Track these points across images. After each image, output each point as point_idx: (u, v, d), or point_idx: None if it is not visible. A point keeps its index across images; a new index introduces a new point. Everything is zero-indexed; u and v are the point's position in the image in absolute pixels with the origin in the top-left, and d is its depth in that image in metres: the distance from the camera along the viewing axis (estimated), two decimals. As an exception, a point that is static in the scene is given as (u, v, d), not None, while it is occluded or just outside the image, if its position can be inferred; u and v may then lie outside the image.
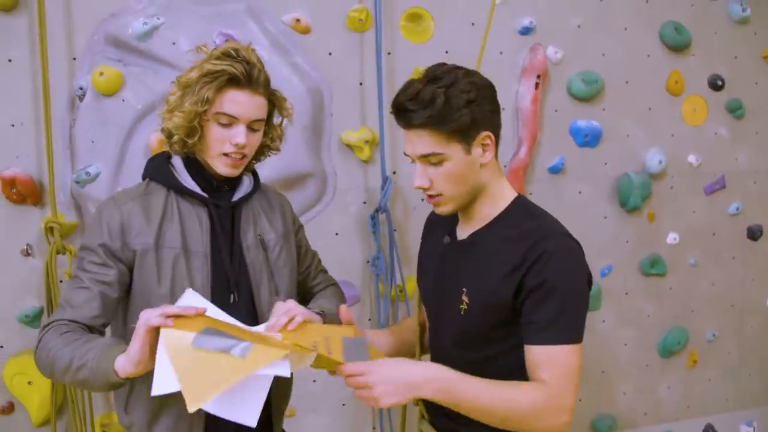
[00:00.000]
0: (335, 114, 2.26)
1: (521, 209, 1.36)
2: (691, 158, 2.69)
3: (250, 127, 1.38)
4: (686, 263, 2.76)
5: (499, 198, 1.37)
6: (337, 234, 2.32)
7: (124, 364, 1.19)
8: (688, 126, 2.68)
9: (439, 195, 1.33)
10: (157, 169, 1.44)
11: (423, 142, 1.28)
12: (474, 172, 1.31)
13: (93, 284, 1.33)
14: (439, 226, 1.50)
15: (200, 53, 1.39)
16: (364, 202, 2.35)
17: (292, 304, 1.36)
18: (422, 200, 2.36)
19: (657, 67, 2.60)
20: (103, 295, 1.34)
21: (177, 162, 1.44)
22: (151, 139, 2.06)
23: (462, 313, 1.35)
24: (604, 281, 2.63)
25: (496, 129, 1.34)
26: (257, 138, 1.41)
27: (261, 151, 1.51)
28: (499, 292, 1.29)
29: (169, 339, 1.16)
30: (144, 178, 1.46)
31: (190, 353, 1.14)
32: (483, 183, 1.34)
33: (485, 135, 1.30)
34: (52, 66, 2.01)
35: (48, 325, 1.33)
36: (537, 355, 1.25)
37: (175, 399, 1.25)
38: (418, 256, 1.58)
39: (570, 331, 1.25)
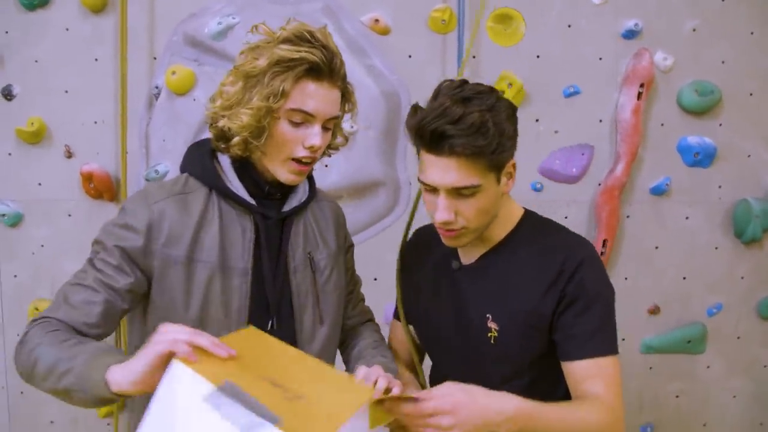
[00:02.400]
0: (412, 120, 2.14)
1: (533, 224, 1.29)
2: (828, 185, 2.30)
3: (325, 126, 1.18)
4: (817, 308, 2.36)
5: (507, 219, 1.28)
6: (408, 248, 2.19)
7: (120, 378, 0.93)
8: (825, 147, 2.30)
9: (463, 228, 1.19)
10: (200, 163, 1.22)
11: (461, 172, 1.12)
12: (498, 202, 1.22)
13: (99, 286, 1.11)
14: (428, 248, 1.35)
15: (259, 35, 1.17)
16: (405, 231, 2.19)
17: (379, 371, 1.14)
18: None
19: (789, 78, 2.25)
20: (109, 302, 1.11)
21: (224, 158, 1.22)
22: (216, 139, 2.04)
23: (492, 341, 1.23)
24: (711, 321, 2.30)
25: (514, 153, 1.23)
26: (328, 138, 1.21)
27: (323, 153, 1.28)
28: (539, 307, 1.20)
29: (182, 378, 0.88)
30: (182, 171, 1.25)
31: (199, 407, 0.85)
32: (499, 210, 1.24)
33: (512, 163, 1.21)
34: (133, 65, 2.05)
35: (36, 320, 1.10)
36: (585, 368, 1.17)
37: None
38: (409, 282, 1.40)
39: (614, 341, 1.21)
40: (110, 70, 2.09)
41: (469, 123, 1.09)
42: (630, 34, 2.16)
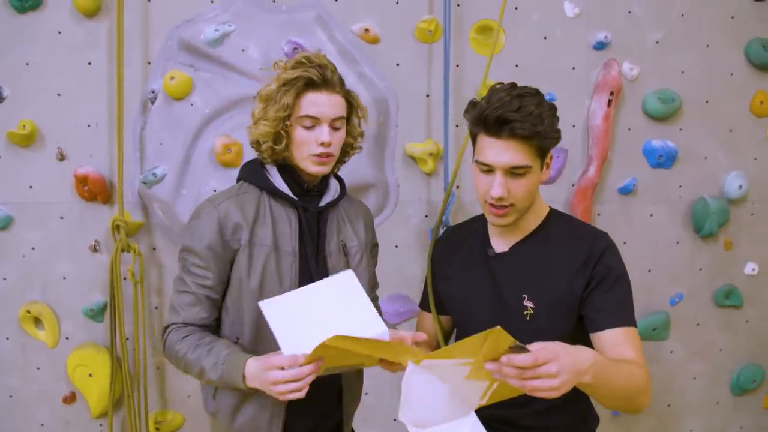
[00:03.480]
0: (400, 125, 2.24)
1: (559, 218, 1.51)
2: (775, 184, 2.53)
3: (333, 126, 1.45)
4: (765, 296, 2.58)
5: (539, 211, 1.49)
6: (396, 246, 2.29)
7: (252, 379, 1.32)
8: (773, 150, 2.52)
9: (510, 206, 1.39)
10: (252, 171, 1.52)
11: (518, 153, 1.34)
12: (538, 188, 1.44)
13: (197, 288, 1.44)
14: (461, 241, 1.56)
15: (276, 69, 1.48)
16: (426, 216, 2.31)
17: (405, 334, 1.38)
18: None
19: (741, 87, 2.45)
20: (208, 298, 1.45)
21: (271, 167, 1.52)
22: (216, 143, 2.09)
23: (528, 318, 1.41)
24: (673, 310, 2.49)
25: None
26: (340, 136, 1.48)
27: (345, 152, 1.57)
28: (573, 285, 1.39)
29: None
30: (238, 181, 1.54)
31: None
32: (536, 197, 1.45)
33: (551, 155, 1.43)
34: (127, 70, 2.08)
35: (167, 328, 1.46)
36: (616, 336, 1.34)
37: (257, 395, 1.40)
38: (440, 273, 1.58)
39: (634, 316, 1.40)
40: (103, 73, 2.11)
41: (527, 112, 1.32)
42: (600, 46, 2.32)
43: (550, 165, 1.43)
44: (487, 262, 1.49)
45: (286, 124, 1.43)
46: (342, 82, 1.49)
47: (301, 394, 1.24)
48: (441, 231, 2.24)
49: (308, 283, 1.42)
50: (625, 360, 1.31)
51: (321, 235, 1.51)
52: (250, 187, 1.50)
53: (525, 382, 1.08)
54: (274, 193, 1.48)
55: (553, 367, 1.07)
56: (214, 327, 1.49)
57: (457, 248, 1.58)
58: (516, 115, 1.32)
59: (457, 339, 1.61)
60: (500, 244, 1.49)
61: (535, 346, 1.09)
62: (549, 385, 1.07)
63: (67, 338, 2.19)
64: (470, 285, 1.51)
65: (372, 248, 1.66)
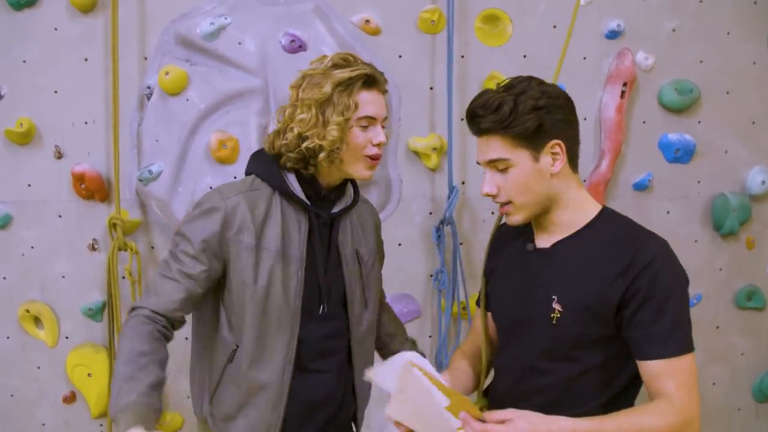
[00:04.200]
0: (403, 119, 2.18)
1: (611, 218, 1.36)
2: (801, 179, 2.40)
3: (382, 126, 1.42)
4: (791, 297, 2.46)
5: (582, 208, 1.36)
6: (400, 244, 2.23)
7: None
8: (798, 143, 2.40)
9: (509, 203, 1.33)
10: (267, 168, 1.43)
11: (490, 147, 1.31)
12: (542, 181, 1.31)
13: (181, 277, 1.35)
14: (513, 237, 1.47)
15: (312, 72, 1.40)
16: (430, 213, 2.24)
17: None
18: (492, 213, 2.22)
19: (763, 76, 2.33)
20: (189, 290, 1.36)
21: (288, 171, 1.44)
22: (211, 138, 2.05)
23: (554, 321, 1.31)
24: (692, 312, 2.35)
25: (569, 140, 1.33)
26: (387, 136, 1.44)
27: None
28: (605, 296, 1.26)
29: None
30: (248, 174, 1.46)
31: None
32: (556, 192, 1.33)
33: (554, 143, 1.30)
34: (124, 65, 2.05)
35: (134, 309, 1.37)
36: (658, 367, 1.23)
37: (255, 401, 1.40)
38: (488, 269, 1.52)
39: (689, 339, 1.27)
40: (100, 70, 2.09)
41: (490, 105, 1.27)
42: (613, 35, 2.23)
43: (559, 156, 1.30)
44: (526, 258, 1.40)
45: (348, 126, 1.37)
46: (386, 80, 1.45)
47: None
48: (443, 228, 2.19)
49: (315, 292, 1.42)
50: (645, 408, 1.23)
51: (332, 242, 1.46)
52: (262, 185, 1.42)
53: None
54: (287, 195, 1.41)
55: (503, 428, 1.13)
56: (178, 323, 1.41)
57: (507, 242, 1.49)
58: (480, 110, 1.29)
59: (498, 345, 1.52)
60: (543, 240, 1.39)
61: (498, 416, 1.16)
62: None
63: (66, 337, 2.17)
64: (506, 280, 1.44)
65: (380, 251, 1.63)
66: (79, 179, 2.08)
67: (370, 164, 1.41)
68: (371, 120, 1.38)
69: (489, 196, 1.34)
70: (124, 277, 2.11)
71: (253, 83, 2.05)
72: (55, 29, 2.07)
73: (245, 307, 1.38)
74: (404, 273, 2.23)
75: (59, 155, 2.11)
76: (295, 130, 1.37)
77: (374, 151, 1.39)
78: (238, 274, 1.38)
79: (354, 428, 1.60)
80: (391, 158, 2.19)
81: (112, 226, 2.07)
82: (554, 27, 2.21)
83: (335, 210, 1.46)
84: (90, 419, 2.21)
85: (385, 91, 1.43)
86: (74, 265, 2.15)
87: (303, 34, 2.06)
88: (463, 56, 2.18)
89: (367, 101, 1.37)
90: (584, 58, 2.23)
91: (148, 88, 2.07)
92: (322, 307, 1.45)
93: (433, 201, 2.23)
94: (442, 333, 2.24)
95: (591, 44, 2.23)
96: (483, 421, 1.17)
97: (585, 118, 2.26)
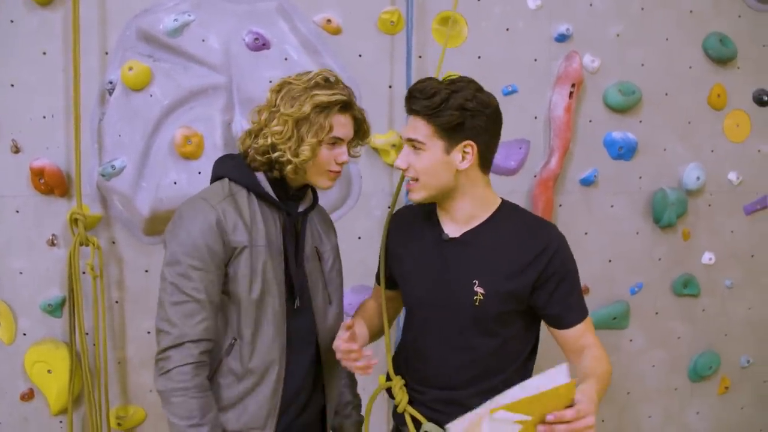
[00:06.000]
0: (363, 116, 2.23)
1: (512, 209, 1.55)
2: (732, 176, 2.59)
3: (350, 145, 1.52)
4: (722, 285, 2.65)
5: (485, 202, 1.52)
6: (359, 238, 2.29)
7: None
8: (729, 142, 2.58)
9: (415, 180, 1.47)
10: (238, 170, 1.49)
11: (414, 128, 1.44)
12: (447, 172, 1.45)
13: (198, 294, 1.39)
14: (419, 225, 1.59)
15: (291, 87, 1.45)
16: (389, 207, 2.31)
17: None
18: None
19: (699, 80, 2.50)
20: (211, 303, 1.41)
21: (258, 172, 1.49)
22: (175, 134, 2.06)
23: (477, 303, 1.46)
24: (633, 299, 2.54)
25: (484, 145, 1.46)
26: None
27: None
28: (521, 277, 1.45)
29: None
30: (217, 178, 1.51)
31: None
32: (458, 185, 1.47)
33: (468, 143, 1.43)
34: (84, 60, 2.03)
35: (163, 352, 1.40)
36: (579, 329, 1.49)
37: (256, 390, 1.45)
38: (391, 253, 1.64)
39: (585, 303, 1.54)
40: (59, 64, 2.06)
41: (426, 90, 1.41)
42: (562, 38, 2.34)
43: (468, 155, 1.43)
44: (440, 245, 1.53)
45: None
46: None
47: None
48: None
49: (291, 290, 1.49)
50: (592, 359, 1.46)
51: (299, 239, 1.54)
52: (238, 187, 1.47)
53: None
54: (261, 195, 1.48)
55: (591, 419, 1.21)
56: (213, 345, 1.44)
57: (410, 228, 1.62)
58: (417, 93, 1.42)
59: (406, 317, 1.65)
60: (451, 229, 1.53)
61: (578, 398, 1.22)
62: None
63: (24, 334, 2.14)
64: (421, 265, 1.55)
65: (339, 256, 1.68)
66: (37, 174, 2.05)
67: (332, 177, 1.50)
68: (339, 140, 1.47)
69: (400, 169, 1.49)
70: (84, 272, 2.10)
71: (217, 80, 2.07)
72: (11, 21, 2.03)
73: (245, 302, 1.43)
74: (364, 265, 2.27)
75: (16, 150, 2.07)
76: (269, 140, 1.43)
77: (337, 168, 1.48)
78: (236, 274, 1.43)
79: (321, 426, 1.65)
80: (351, 154, 2.25)
81: (73, 221, 2.05)
82: (507, 30, 2.31)
83: (301, 209, 1.54)
84: (49, 416, 2.18)
85: (355, 115, 1.50)
86: (32, 260, 2.12)
87: (266, 33, 2.08)
88: (420, 56, 2.26)
89: (340, 123, 1.45)
90: (535, 60, 2.34)
91: (110, 83, 2.06)
92: (296, 301, 1.52)
93: (392, 196, 2.30)
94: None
95: (541, 47, 2.34)
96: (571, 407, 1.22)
97: (536, 117, 2.37)
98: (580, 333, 1.50)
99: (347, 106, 1.46)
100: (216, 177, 1.52)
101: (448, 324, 1.51)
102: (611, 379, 1.49)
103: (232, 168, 1.50)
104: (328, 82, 1.46)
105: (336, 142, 1.46)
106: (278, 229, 1.49)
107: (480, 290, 1.46)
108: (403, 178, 1.69)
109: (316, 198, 1.60)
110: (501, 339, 1.50)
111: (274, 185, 1.49)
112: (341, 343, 1.45)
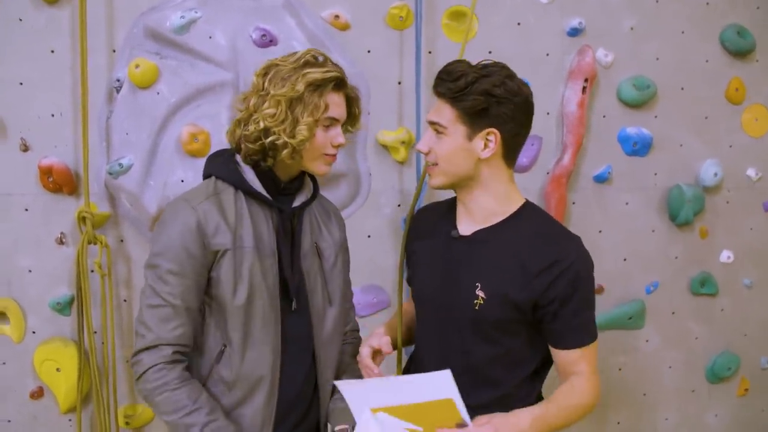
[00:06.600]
0: (372, 113, 2.21)
1: (532, 213, 1.45)
2: (751, 171, 2.53)
3: (349, 126, 1.47)
4: (740, 284, 2.59)
5: (506, 199, 1.44)
6: (369, 236, 2.27)
7: None
8: (748, 137, 2.52)
9: (435, 164, 1.42)
10: (224, 167, 1.43)
11: (438, 111, 1.39)
12: (468, 161, 1.39)
13: (173, 299, 1.33)
14: (435, 221, 1.54)
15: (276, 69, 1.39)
16: (399, 205, 2.29)
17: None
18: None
19: (716, 74, 2.45)
20: (187, 309, 1.36)
21: (245, 165, 1.43)
22: (182, 132, 2.05)
23: (476, 307, 1.39)
24: (649, 299, 2.49)
25: (509, 134, 1.39)
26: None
27: None
28: (526, 289, 1.36)
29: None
30: (207, 176, 1.45)
31: None
32: (478, 176, 1.40)
33: (491, 131, 1.37)
34: (91, 58, 2.03)
35: (138, 353, 1.36)
36: (575, 354, 1.40)
37: (251, 397, 1.40)
38: (407, 253, 1.60)
39: (596, 328, 1.44)
40: (67, 62, 2.06)
41: (453, 72, 1.36)
42: (574, 32, 2.30)
43: (491, 144, 1.37)
44: (449, 243, 1.47)
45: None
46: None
47: None
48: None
49: (286, 291, 1.42)
50: (569, 389, 1.40)
51: (295, 235, 1.46)
52: (224, 185, 1.41)
53: None
54: (249, 192, 1.41)
55: None
56: (190, 350, 1.39)
57: (428, 224, 1.57)
58: (445, 75, 1.38)
59: (417, 320, 1.60)
60: (465, 227, 1.46)
61: (480, 421, 1.21)
62: None
63: (33, 332, 2.14)
64: (429, 264, 1.51)
65: (345, 251, 1.61)
66: (46, 172, 2.05)
67: (328, 161, 1.43)
68: (335, 121, 1.40)
69: (421, 152, 1.45)
70: (93, 271, 2.09)
71: (224, 77, 2.05)
72: (20, 20, 2.03)
73: (230, 307, 1.37)
74: (373, 264, 2.26)
75: (25, 148, 2.07)
76: (261, 124, 1.36)
77: (333, 151, 1.42)
78: (220, 283, 1.37)
79: None
80: (360, 151, 2.22)
81: (82, 219, 2.05)
82: (518, 24, 2.27)
83: (296, 204, 1.47)
84: (59, 414, 2.18)
85: (348, 94, 1.45)
86: (41, 259, 2.12)
87: (273, 29, 2.07)
88: (430, 52, 2.23)
89: (335, 103, 1.39)
90: (547, 55, 2.30)
91: (118, 81, 2.05)
92: (293, 303, 1.45)
93: (402, 193, 2.28)
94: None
95: (554, 41, 2.30)
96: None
97: (548, 113, 2.33)
98: (574, 359, 1.40)
99: (341, 83, 1.40)
100: (206, 175, 1.47)
101: (447, 324, 1.46)
102: (593, 407, 1.44)
103: (219, 165, 1.44)
104: (317, 60, 1.39)
105: (331, 123, 1.40)
106: (270, 227, 1.42)
107: (481, 294, 1.39)
108: (425, 174, 1.65)
109: (316, 189, 1.53)
110: (502, 348, 1.42)
111: (263, 180, 1.42)
112: (363, 359, 1.43)
